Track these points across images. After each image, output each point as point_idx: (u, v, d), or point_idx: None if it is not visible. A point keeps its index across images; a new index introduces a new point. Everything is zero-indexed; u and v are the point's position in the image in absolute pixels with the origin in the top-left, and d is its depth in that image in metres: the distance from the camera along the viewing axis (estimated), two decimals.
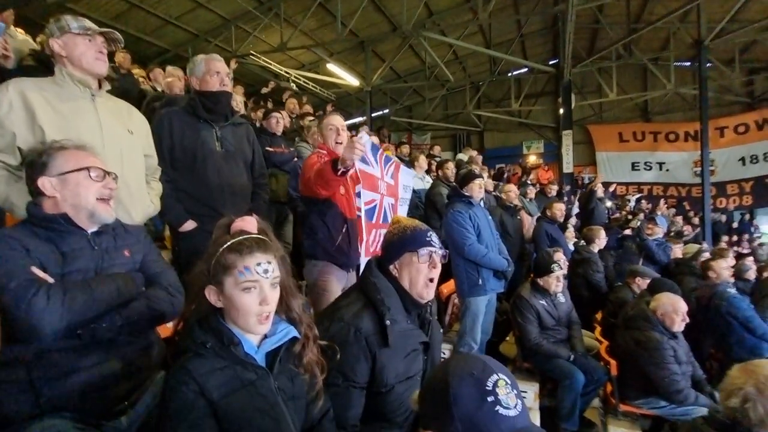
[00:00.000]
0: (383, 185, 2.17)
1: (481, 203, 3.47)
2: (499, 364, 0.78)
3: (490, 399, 0.71)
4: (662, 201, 10.52)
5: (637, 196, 11.51)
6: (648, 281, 3.85)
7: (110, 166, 1.42)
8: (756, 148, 13.34)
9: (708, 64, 10.70)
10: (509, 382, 0.74)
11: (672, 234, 7.28)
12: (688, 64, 12.79)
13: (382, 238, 2.20)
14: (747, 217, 13.44)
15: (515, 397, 0.73)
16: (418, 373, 1.49)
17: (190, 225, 2.17)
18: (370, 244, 2.32)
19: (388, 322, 1.38)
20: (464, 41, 11.48)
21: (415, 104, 17.08)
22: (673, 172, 14.50)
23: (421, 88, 15.43)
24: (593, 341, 3.66)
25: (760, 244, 12.52)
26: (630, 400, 2.97)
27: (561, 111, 11.66)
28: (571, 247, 5.02)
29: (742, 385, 1.49)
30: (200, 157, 2.19)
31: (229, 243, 1.09)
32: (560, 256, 3.63)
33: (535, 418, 2.94)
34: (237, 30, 10.84)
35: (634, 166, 15.05)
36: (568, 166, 10.79)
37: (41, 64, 2.61)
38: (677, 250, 5.22)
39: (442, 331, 4.02)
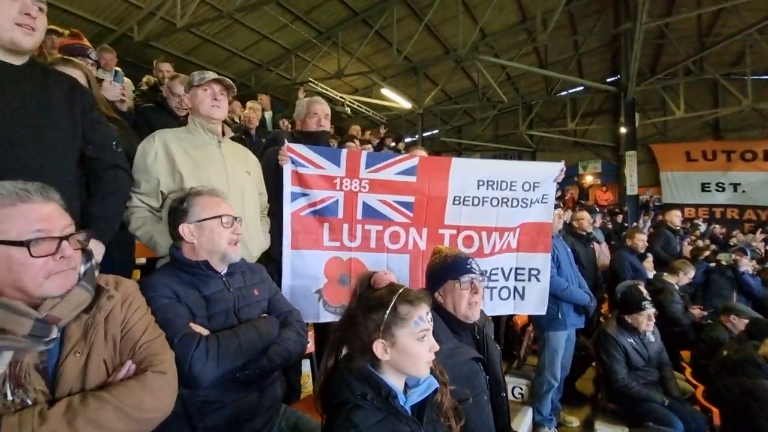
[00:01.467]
0: (351, 182, 2.31)
1: (559, 235, 3.37)
2: None
3: None
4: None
5: (701, 220, 10.70)
6: (745, 320, 3.54)
7: (233, 206, 1.55)
8: None
9: None
10: None
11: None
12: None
13: (376, 234, 2.34)
14: None
15: None
16: (482, 393, 1.51)
17: None
18: (352, 237, 2.36)
19: None
20: (518, 62, 11.36)
21: (464, 125, 17.06)
22: (750, 194, 13.45)
23: (471, 109, 15.39)
24: (686, 384, 3.40)
25: None
26: None
27: (622, 130, 11.16)
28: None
29: None
30: None
31: (399, 293, 1.12)
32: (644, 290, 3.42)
33: None
34: (296, 59, 11.41)
35: (704, 187, 14.14)
36: (632, 189, 10.22)
37: (158, 105, 2.98)
38: None
39: (516, 363, 3.93)
